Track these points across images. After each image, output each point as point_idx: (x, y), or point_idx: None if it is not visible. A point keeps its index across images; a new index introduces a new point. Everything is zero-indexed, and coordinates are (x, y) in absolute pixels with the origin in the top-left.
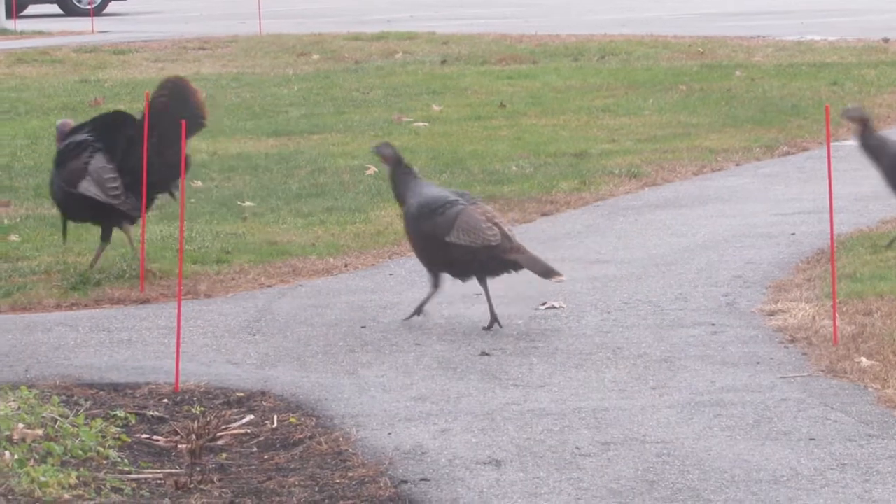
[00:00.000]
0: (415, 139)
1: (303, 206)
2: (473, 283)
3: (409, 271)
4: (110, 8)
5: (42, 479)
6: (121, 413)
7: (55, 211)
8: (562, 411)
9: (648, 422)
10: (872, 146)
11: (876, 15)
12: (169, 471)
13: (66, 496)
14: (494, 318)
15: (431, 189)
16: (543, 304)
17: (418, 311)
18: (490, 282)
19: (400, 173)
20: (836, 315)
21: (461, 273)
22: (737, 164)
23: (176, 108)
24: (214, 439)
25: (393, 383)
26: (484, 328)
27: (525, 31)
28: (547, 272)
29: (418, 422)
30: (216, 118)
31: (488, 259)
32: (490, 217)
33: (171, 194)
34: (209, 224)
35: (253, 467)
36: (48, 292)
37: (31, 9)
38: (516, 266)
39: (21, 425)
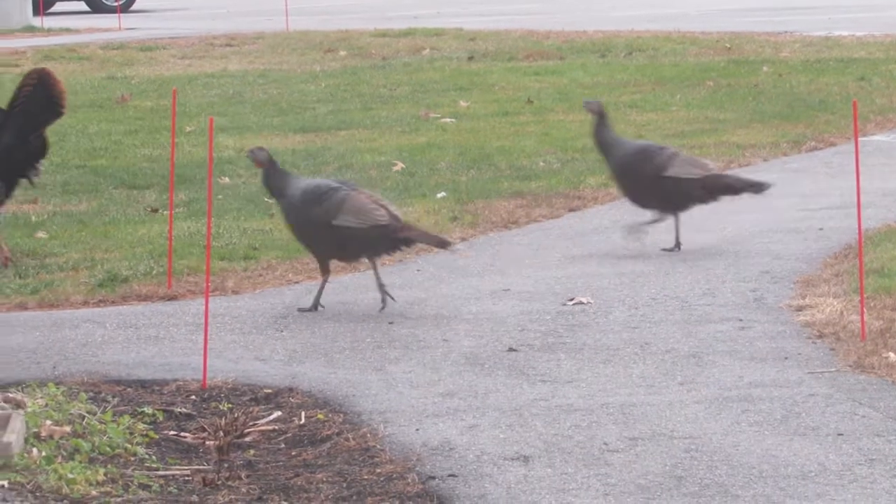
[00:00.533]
0: (442, 135)
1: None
2: (500, 282)
3: (437, 267)
4: (137, 5)
5: (70, 475)
6: (148, 410)
7: (83, 207)
8: (589, 407)
9: (676, 417)
10: (603, 142)
11: None
12: (196, 467)
13: (94, 493)
14: (385, 294)
15: (311, 180)
16: (571, 299)
17: (315, 304)
18: (379, 261)
19: (274, 172)
20: (864, 310)
21: (351, 255)
22: (764, 160)
23: (38, 96)
24: (242, 436)
25: (420, 379)
26: (379, 311)
27: (552, 28)
28: (442, 243)
29: (446, 418)
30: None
31: (380, 238)
32: (376, 200)
33: (30, 181)
34: (236, 220)
35: (280, 464)
36: (75, 289)
37: (59, 6)
38: (408, 242)
39: (49, 422)
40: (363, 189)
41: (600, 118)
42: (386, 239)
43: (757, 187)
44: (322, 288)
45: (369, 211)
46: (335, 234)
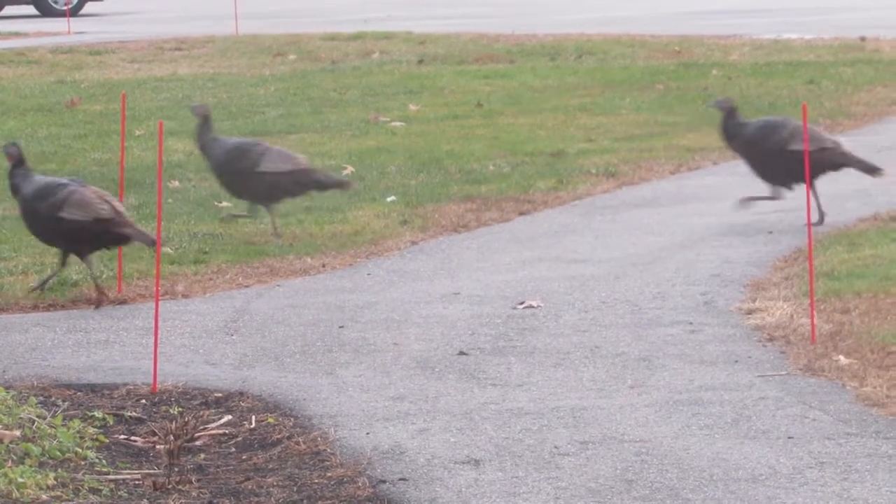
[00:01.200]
0: (392, 139)
1: (280, 206)
2: (450, 286)
3: (387, 271)
4: (86, 9)
5: (20, 479)
6: (98, 414)
7: None
8: (540, 410)
9: (627, 421)
10: (203, 144)
11: (852, 13)
12: (147, 471)
13: (44, 497)
14: (99, 287)
15: (46, 178)
16: (521, 303)
17: (41, 284)
18: (94, 254)
19: (17, 172)
20: (814, 313)
21: (74, 244)
22: (714, 163)
23: None
24: (192, 440)
25: (371, 383)
26: (94, 309)
27: (502, 31)
28: (152, 242)
29: (396, 421)
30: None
31: (101, 232)
32: (102, 196)
33: None
34: (186, 224)
35: (231, 467)
36: (25, 293)
37: (7, 10)
38: (127, 238)
39: None
40: (91, 186)
41: (204, 121)
42: (107, 234)
43: (342, 185)
44: (53, 275)
45: (94, 205)
46: (61, 224)
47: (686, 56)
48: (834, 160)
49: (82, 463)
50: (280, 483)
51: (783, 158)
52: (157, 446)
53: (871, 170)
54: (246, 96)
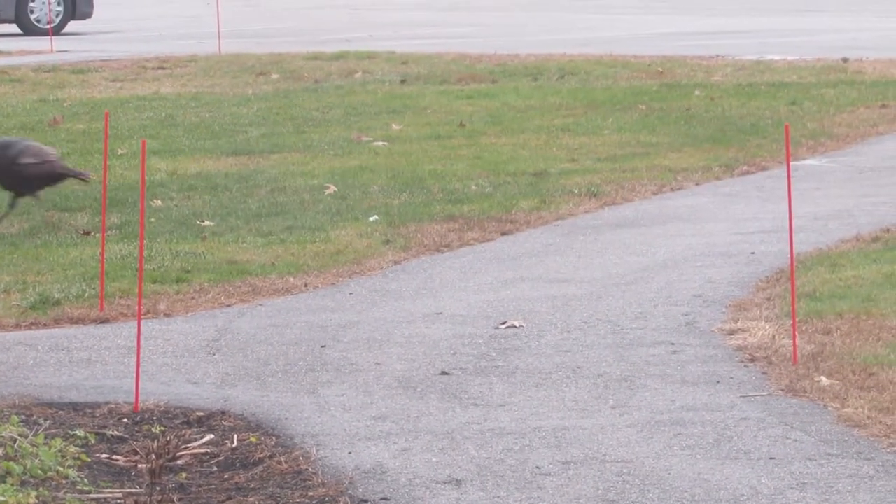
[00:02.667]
0: (374, 158)
1: (262, 225)
2: (432, 305)
3: (370, 290)
4: (69, 27)
5: (1, 498)
6: (80, 433)
7: (14, 229)
8: (522, 430)
9: (608, 441)
10: None
11: (835, 34)
12: (129, 490)
13: None
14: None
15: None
16: (503, 323)
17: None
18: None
19: None
20: (796, 334)
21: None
22: (696, 184)
23: None
24: (174, 459)
25: (353, 402)
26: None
27: (484, 51)
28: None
29: (378, 441)
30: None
31: (49, 172)
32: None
33: None
34: (168, 243)
35: (213, 487)
36: (7, 311)
37: None
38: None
39: None
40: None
41: None
42: (54, 172)
43: (81, 176)
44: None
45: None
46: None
47: (668, 77)
48: (53, 172)
49: (64, 482)
50: (261, 502)
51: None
52: (139, 465)
53: (81, 176)
54: (228, 115)
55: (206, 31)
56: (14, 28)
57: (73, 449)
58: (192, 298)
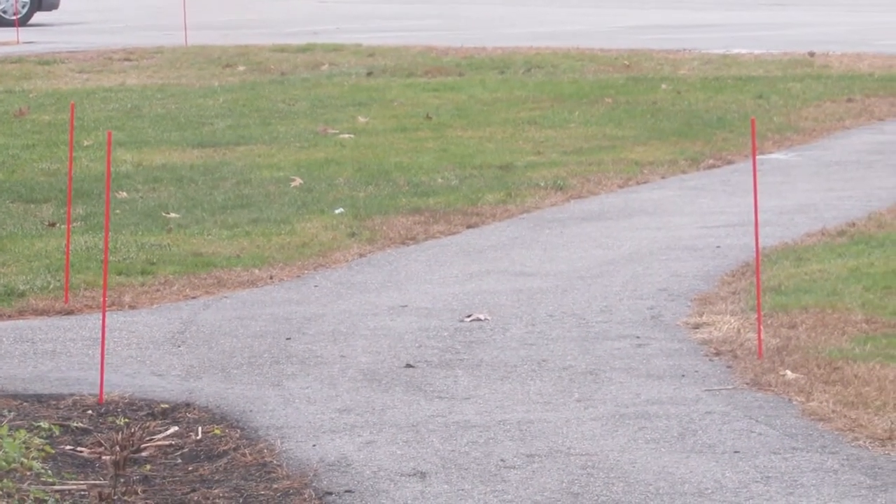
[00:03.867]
0: (340, 151)
1: (228, 217)
2: (398, 298)
3: (335, 283)
4: (35, 18)
5: None
6: (45, 424)
7: None
8: (486, 423)
9: (573, 434)
10: None
11: (801, 28)
12: (93, 482)
13: None
14: None
15: None
16: (468, 316)
17: None
18: None
19: None
20: (761, 328)
21: None
22: (662, 177)
23: None
24: (139, 451)
25: (318, 395)
26: None
27: (451, 44)
28: None
29: (343, 433)
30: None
31: None
32: None
33: None
34: (134, 235)
35: (177, 479)
36: None
37: None
38: None
39: None
40: None
41: None
42: None
43: None
44: None
45: None
46: None
47: (635, 70)
48: None
49: (28, 473)
50: (226, 494)
51: None
52: (104, 457)
53: None
54: (195, 107)
55: (173, 23)
56: None
57: (37, 440)
58: (158, 290)
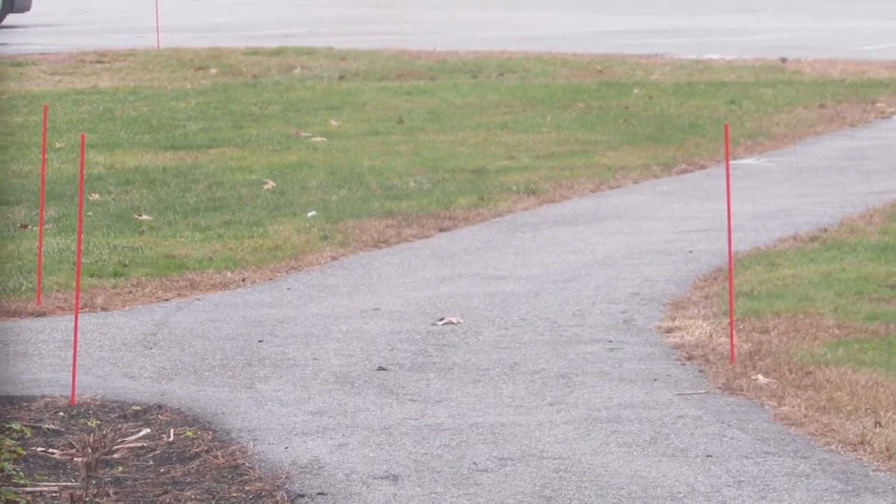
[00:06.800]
0: (313, 154)
1: (200, 219)
2: (370, 301)
3: (307, 286)
4: (7, 20)
5: None
6: (16, 426)
7: None
8: (459, 427)
9: (546, 437)
10: None
11: (773, 34)
12: (64, 484)
13: None
14: None
15: None
16: (441, 319)
17: None
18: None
19: None
20: (734, 333)
21: None
22: (635, 182)
23: None
24: (110, 452)
25: (290, 397)
26: None
27: (423, 48)
28: None
29: (315, 436)
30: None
31: None
32: None
33: None
34: (106, 237)
35: (149, 481)
36: None
37: None
38: None
39: None
40: None
41: None
42: None
43: None
44: None
45: None
46: None
47: (607, 75)
48: None
49: None
50: (198, 497)
51: None
52: (75, 459)
53: None
54: (167, 110)
55: (145, 26)
56: None
57: (8, 442)
58: (130, 293)
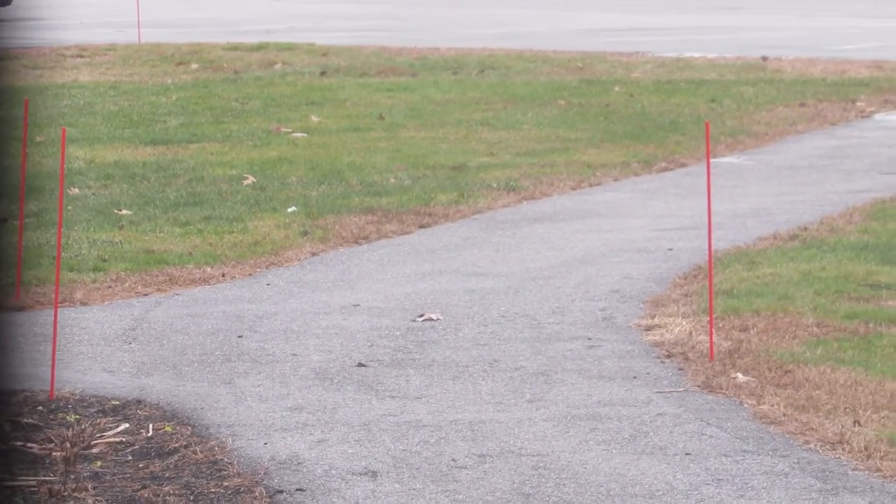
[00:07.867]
0: (293, 150)
1: (180, 215)
2: (350, 297)
3: (287, 281)
4: None
5: None
6: None
7: None
8: (438, 423)
9: (525, 435)
10: None
11: (754, 32)
12: (43, 478)
13: None
14: None
15: None
16: (420, 315)
17: None
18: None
19: None
20: (713, 331)
21: None
22: (615, 180)
23: None
24: (89, 447)
25: (269, 393)
26: None
27: (404, 44)
28: None
29: (294, 432)
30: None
31: None
32: None
33: None
34: (86, 232)
35: (128, 475)
36: None
37: None
38: None
39: None
40: None
41: None
42: None
43: None
44: None
45: None
46: None
47: (588, 73)
48: None
49: None
50: (176, 492)
51: None
52: (54, 453)
53: None
54: (147, 104)
55: (126, 20)
56: None
57: None
58: (109, 287)
